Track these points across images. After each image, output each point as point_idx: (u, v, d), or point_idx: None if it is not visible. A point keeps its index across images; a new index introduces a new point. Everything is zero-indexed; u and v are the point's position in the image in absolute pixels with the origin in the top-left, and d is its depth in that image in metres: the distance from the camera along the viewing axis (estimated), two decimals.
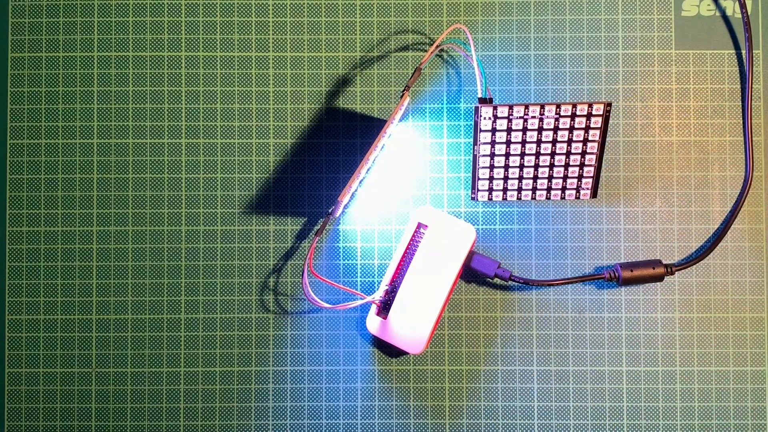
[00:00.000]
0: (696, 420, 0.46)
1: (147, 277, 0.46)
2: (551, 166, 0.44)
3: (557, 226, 0.46)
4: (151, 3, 0.47)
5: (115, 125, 0.47)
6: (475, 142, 0.43)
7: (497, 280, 0.46)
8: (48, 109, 0.47)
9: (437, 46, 0.44)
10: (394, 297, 0.43)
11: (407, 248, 0.44)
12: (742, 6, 0.46)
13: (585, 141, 0.43)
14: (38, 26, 0.47)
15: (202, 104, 0.47)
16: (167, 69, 0.47)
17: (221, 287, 0.46)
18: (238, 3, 0.47)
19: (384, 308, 0.43)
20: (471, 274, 0.46)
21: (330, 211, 0.46)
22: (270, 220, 0.47)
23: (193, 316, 0.46)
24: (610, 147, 0.46)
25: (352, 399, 0.46)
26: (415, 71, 0.45)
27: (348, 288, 0.45)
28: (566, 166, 0.44)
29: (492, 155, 0.43)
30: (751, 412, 0.46)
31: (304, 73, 0.47)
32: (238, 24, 0.47)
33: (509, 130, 0.42)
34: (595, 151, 0.43)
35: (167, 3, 0.47)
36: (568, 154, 0.43)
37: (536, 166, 0.44)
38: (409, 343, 0.43)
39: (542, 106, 0.42)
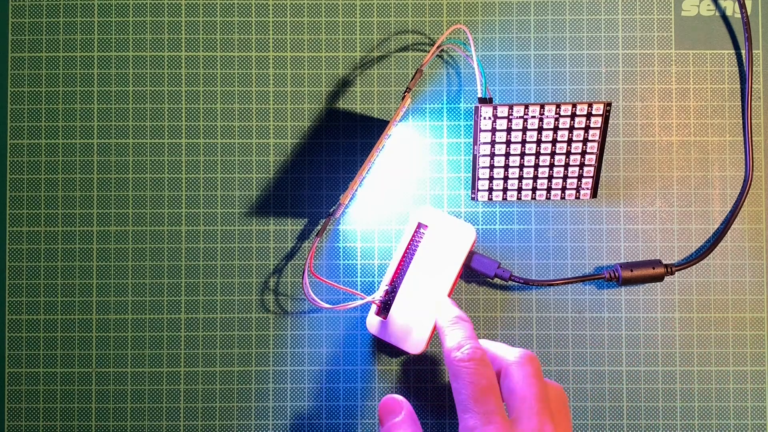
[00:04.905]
0: (696, 420, 0.46)
1: (147, 277, 0.46)
2: (551, 166, 0.44)
3: (557, 226, 0.46)
4: (151, 3, 0.47)
5: (115, 125, 0.47)
6: (475, 142, 0.43)
7: (497, 280, 0.46)
8: (48, 109, 0.47)
9: (438, 47, 0.44)
10: (394, 297, 0.43)
11: (407, 248, 0.44)
12: (742, 6, 0.46)
13: (585, 141, 0.43)
14: (38, 26, 0.47)
15: (202, 104, 0.47)
16: (167, 69, 0.47)
17: (221, 287, 0.46)
18: (238, 3, 0.47)
19: (384, 308, 0.43)
20: (471, 274, 0.46)
21: (331, 211, 0.46)
22: (270, 220, 0.47)
23: (193, 316, 0.46)
24: (610, 147, 0.46)
25: (352, 399, 0.46)
26: (416, 72, 0.45)
27: (348, 288, 0.45)
28: (566, 166, 0.44)
29: (492, 155, 0.43)
30: (751, 412, 0.46)
31: (304, 73, 0.47)
32: (238, 24, 0.47)
33: (509, 130, 0.42)
34: (595, 151, 0.43)
35: (167, 3, 0.47)
36: (568, 154, 0.43)
37: (536, 166, 0.44)
38: (409, 343, 0.43)
39: (542, 106, 0.42)
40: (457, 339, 0.37)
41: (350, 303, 0.43)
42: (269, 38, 0.47)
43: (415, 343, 0.43)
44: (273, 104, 0.47)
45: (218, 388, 0.46)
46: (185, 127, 0.47)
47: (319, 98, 0.47)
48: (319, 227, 0.46)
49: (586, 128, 0.42)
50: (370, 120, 0.47)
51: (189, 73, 0.47)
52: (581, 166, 0.44)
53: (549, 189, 0.45)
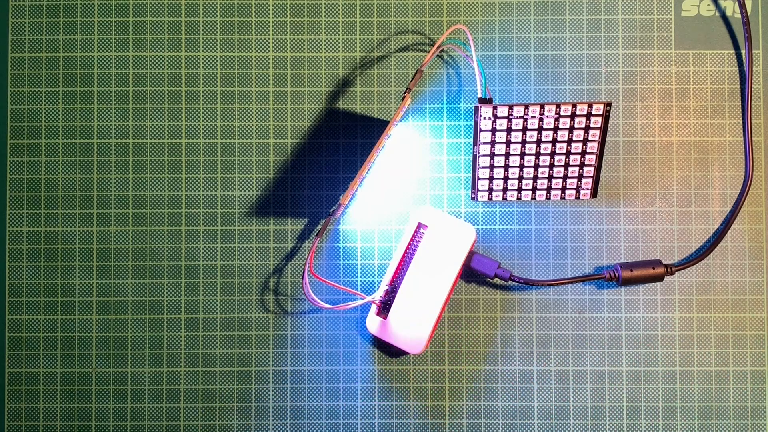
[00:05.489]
0: (696, 420, 0.46)
1: (147, 277, 0.46)
2: (551, 166, 0.44)
3: (557, 226, 0.46)
4: (151, 3, 0.47)
5: (115, 125, 0.47)
6: (475, 142, 0.43)
7: (497, 280, 0.46)
8: (48, 109, 0.47)
9: (438, 47, 0.44)
10: (394, 297, 0.43)
11: (407, 248, 0.44)
12: (742, 6, 0.46)
13: (585, 141, 0.43)
14: (38, 26, 0.47)
15: (202, 104, 0.47)
16: (167, 69, 0.47)
17: (221, 287, 0.46)
18: (238, 3, 0.47)
19: (384, 308, 0.43)
20: (471, 274, 0.46)
21: (331, 212, 0.46)
22: (270, 220, 0.47)
23: (193, 316, 0.46)
24: (610, 147, 0.46)
25: (352, 399, 0.46)
26: (416, 73, 0.45)
27: (348, 288, 0.45)
28: (566, 166, 0.44)
29: (492, 155, 0.43)
30: (751, 412, 0.46)
31: (304, 73, 0.47)
32: (238, 24, 0.47)
33: (509, 130, 0.42)
34: (595, 151, 0.43)
35: (167, 3, 0.47)
36: (567, 154, 0.43)
37: (536, 166, 0.44)
38: (409, 343, 0.43)
39: (542, 106, 0.42)
40: None
41: (350, 303, 0.43)
42: (269, 38, 0.47)
43: (415, 343, 0.43)
44: (273, 104, 0.47)
45: (218, 388, 0.46)
46: (185, 127, 0.47)
47: (319, 98, 0.47)
48: (319, 227, 0.46)
49: (586, 128, 0.42)
50: (370, 120, 0.47)
51: (189, 73, 0.47)
52: (581, 166, 0.44)
53: (549, 189, 0.45)
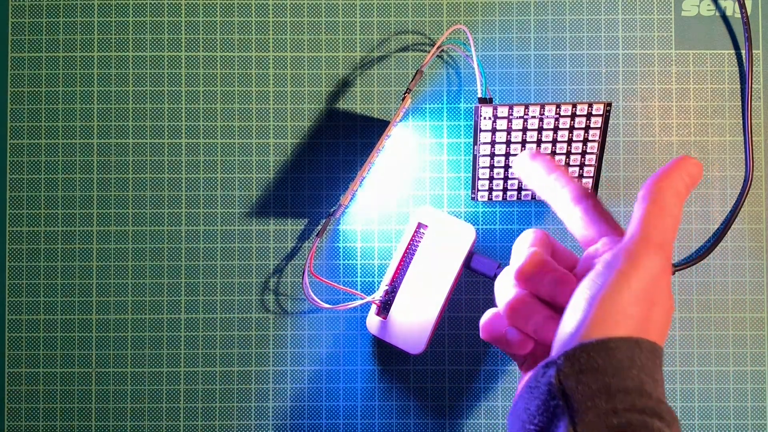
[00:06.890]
0: (696, 420, 0.46)
1: (147, 277, 0.46)
2: None
3: (557, 226, 0.46)
4: (151, 3, 0.47)
5: (115, 125, 0.47)
6: (475, 142, 0.43)
7: None
8: (48, 109, 0.47)
9: (438, 47, 0.44)
10: (394, 297, 0.43)
11: (407, 248, 0.44)
12: (742, 6, 0.46)
13: (585, 141, 0.43)
14: (38, 26, 0.47)
15: (202, 104, 0.47)
16: (167, 69, 0.47)
17: (221, 287, 0.46)
18: (238, 3, 0.47)
19: (384, 308, 0.43)
20: (471, 274, 0.46)
21: (331, 212, 0.46)
22: (270, 220, 0.47)
23: (193, 316, 0.46)
24: (610, 147, 0.46)
25: (352, 399, 0.46)
26: (416, 73, 0.45)
27: (348, 288, 0.45)
28: (566, 166, 0.44)
29: (492, 155, 0.43)
30: (751, 412, 0.46)
31: (304, 73, 0.47)
32: (238, 24, 0.47)
33: (509, 130, 0.42)
34: (595, 151, 0.43)
35: (167, 3, 0.47)
36: (568, 154, 0.43)
37: None
38: (409, 343, 0.43)
39: (542, 106, 0.42)
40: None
41: (350, 303, 0.43)
42: (269, 38, 0.47)
43: (415, 343, 0.43)
44: (273, 104, 0.47)
45: (218, 388, 0.46)
46: (185, 127, 0.47)
47: (319, 98, 0.47)
48: (319, 227, 0.46)
49: (586, 128, 0.42)
50: (370, 120, 0.47)
51: (189, 73, 0.47)
52: (581, 166, 0.44)
53: None
